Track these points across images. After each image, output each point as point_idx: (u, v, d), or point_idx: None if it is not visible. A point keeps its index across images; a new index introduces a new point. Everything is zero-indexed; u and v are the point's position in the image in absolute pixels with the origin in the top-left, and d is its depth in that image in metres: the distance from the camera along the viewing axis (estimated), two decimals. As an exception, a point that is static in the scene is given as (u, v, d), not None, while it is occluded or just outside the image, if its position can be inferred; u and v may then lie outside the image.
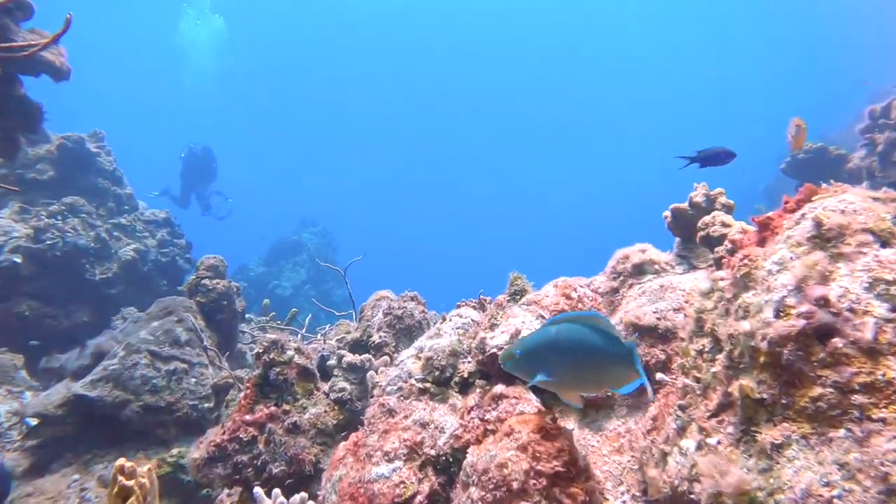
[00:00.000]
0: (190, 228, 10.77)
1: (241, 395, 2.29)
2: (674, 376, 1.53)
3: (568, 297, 1.90)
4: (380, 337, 2.68)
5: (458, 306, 3.82)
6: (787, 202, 1.28)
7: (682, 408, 1.26)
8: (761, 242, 1.28)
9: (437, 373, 1.95)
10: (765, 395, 1.02)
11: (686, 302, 1.67)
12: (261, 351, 2.30)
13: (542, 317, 1.84)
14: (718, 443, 1.10)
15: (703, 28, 31.69)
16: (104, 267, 5.61)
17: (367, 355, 2.47)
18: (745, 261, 1.20)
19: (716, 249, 1.66)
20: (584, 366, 1.30)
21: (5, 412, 3.99)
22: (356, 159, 42.26)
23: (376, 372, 2.44)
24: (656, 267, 1.88)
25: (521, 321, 1.82)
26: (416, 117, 40.29)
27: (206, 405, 3.40)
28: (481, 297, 3.76)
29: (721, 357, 1.19)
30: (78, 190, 5.94)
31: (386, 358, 2.54)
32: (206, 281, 3.83)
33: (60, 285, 5.24)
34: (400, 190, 43.87)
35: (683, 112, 36.03)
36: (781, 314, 1.02)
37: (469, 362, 1.99)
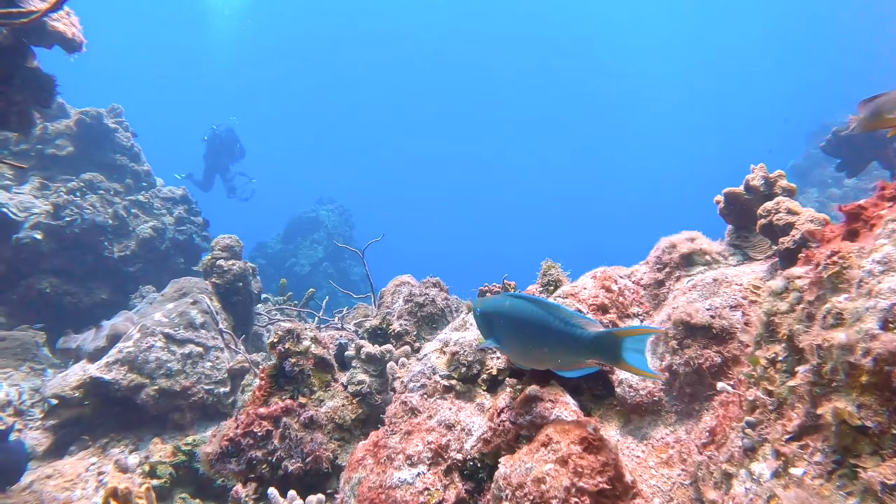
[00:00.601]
0: (207, 205, 10.77)
1: (256, 386, 2.18)
2: (732, 383, 1.36)
3: (608, 289, 1.73)
4: (400, 325, 2.55)
5: (481, 291, 3.67)
6: (883, 188, 1.09)
7: (752, 425, 1.10)
8: (851, 236, 1.09)
9: (463, 369, 1.81)
10: (868, 423, 0.85)
11: (744, 298, 1.49)
12: (275, 340, 2.18)
13: (581, 311, 1.68)
14: (804, 474, 0.93)
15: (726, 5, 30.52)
16: (122, 244, 5.57)
17: (387, 346, 2.33)
18: (835, 258, 1.01)
19: (781, 240, 1.47)
20: (530, 341, 1.34)
21: (28, 389, 3.99)
22: (374, 136, 42.03)
23: (396, 363, 2.32)
24: (707, 258, 1.70)
25: (558, 315, 1.66)
26: (440, 93, 39.70)
27: (222, 390, 3.32)
28: (505, 281, 3.60)
29: (803, 370, 1.01)
30: (96, 166, 5.88)
31: (407, 348, 2.41)
32: (221, 262, 3.73)
33: (79, 262, 5.21)
34: (419, 167, 43.64)
35: (705, 95, 34.94)
36: (891, 325, 0.85)
37: (498, 358, 1.84)
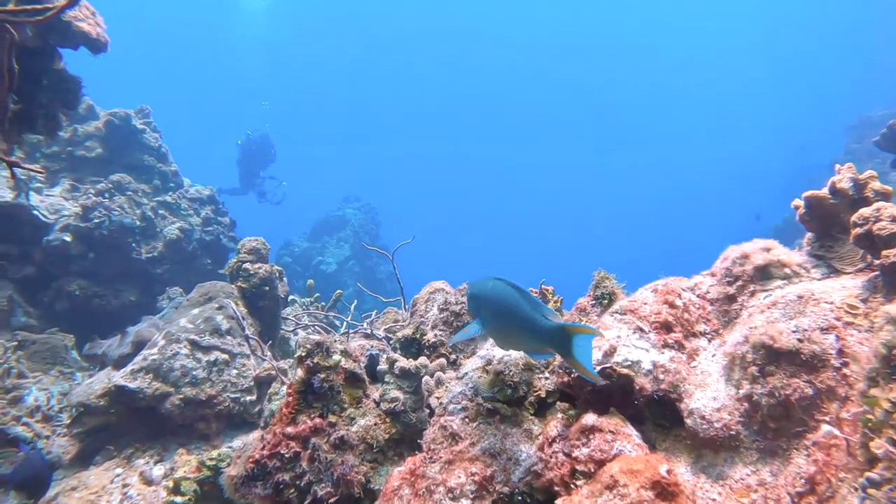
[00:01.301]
0: (234, 204, 10.83)
1: (283, 402, 2.06)
2: (829, 419, 1.17)
3: (671, 304, 1.55)
4: (435, 335, 2.39)
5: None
6: None
7: (875, 484, 0.91)
8: None
9: (508, 391, 1.64)
10: None
11: (837, 319, 1.30)
12: (303, 354, 2.05)
13: (642, 330, 1.50)
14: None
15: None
16: (150, 246, 5.55)
17: (421, 359, 2.18)
18: None
19: (884, 253, 1.27)
20: (505, 324, 1.41)
21: (58, 393, 3.97)
22: (402, 134, 42.04)
23: (431, 377, 2.17)
24: (786, 270, 1.50)
25: (616, 335, 1.49)
26: (470, 92, 39.46)
27: (248, 398, 3.23)
28: (543, 287, 3.42)
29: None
30: (124, 167, 5.89)
31: (442, 360, 2.25)
32: (247, 265, 3.63)
33: (108, 264, 5.20)
34: (449, 166, 43.48)
35: (741, 92, 33.93)
36: None
37: (546, 378, 1.67)
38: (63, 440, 3.43)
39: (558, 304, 3.30)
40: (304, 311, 5.46)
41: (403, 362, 2.11)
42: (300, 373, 2.08)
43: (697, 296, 1.62)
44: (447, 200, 43.55)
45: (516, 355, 1.70)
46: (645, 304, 1.55)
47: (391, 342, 2.59)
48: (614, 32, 34.44)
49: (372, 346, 2.61)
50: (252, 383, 3.29)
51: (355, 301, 4.06)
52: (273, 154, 10.88)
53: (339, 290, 5.37)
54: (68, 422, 3.55)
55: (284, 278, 4.14)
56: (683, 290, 1.63)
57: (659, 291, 1.58)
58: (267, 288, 3.65)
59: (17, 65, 2.49)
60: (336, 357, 2.04)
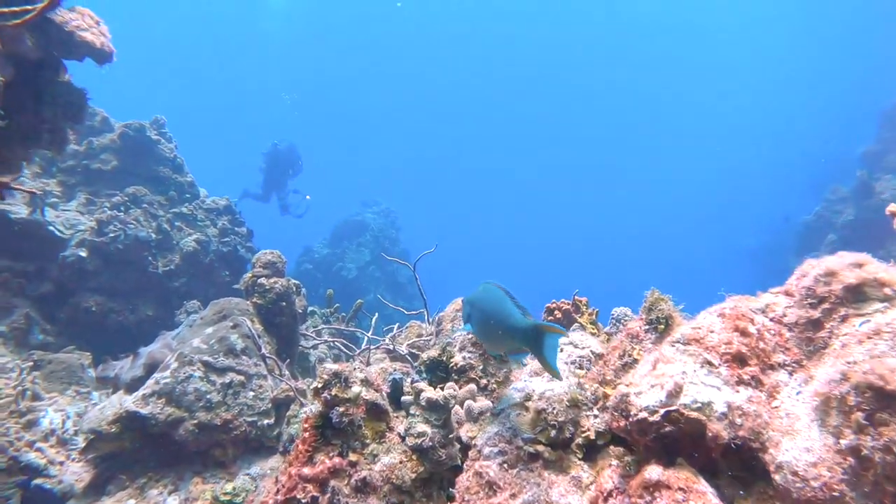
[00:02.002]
0: (251, 212, 10.77)
1: (299, 438, 1.87)
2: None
3: (743, 332, 1.32)
4: (463, 358, 2.19)
5: (548, 309, 3.27)
6: None
7: None
8: None
9: (552, 432, 1.43)
10: None
11: (961, 352, 1.06)
12: (320, 386, 1.86)
13: (711, 364, 1.27)
14: None
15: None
16: (166, 259, 5.45)
17: (449, 387, 1.98)
18: None
19: None
20: (488, 325, 1.49)
21: (74, 414, 3.86)
22: (422, 139, 41.95)
23: (461, 405, 1.96)
24: (886, 291, 1.26)
25: (682, 370, 1.26)
26: (490, 94, 39.18)
27: (266, 421, 3.06)
28: (576, 298, 3.19)
29: None
30: (140, 179, 5.81)
31: (472, 387, 2.05)
32: (262, 280, 3.47)
33: (124, 279, 5.12)
34: (468, 169, 43.22)
35: (768, 86, 32.95)
36: None
37: (595, 416, 1.46)
38: (77, 466, 3.31)
39: (593, 316, 3.06)
40: (324, 322, 5.31)
41: (431, 392, 1.90)
42: (317, 406, 1.90)
43: (771, 320, 1.38)
44: (471, 204, 43.30)
45: (559, 390, 1.49)
46: (711, 331, 1.33)
47: (415, 364, 2.39)
48: (644, 39, 33.94)
49: (395, 370, 2.41)
50: (270, 405, 3.12)
51: (376, 314, 3.87)
52: (300, 166, 10.80)
53: (359, 300, 5.20)
54: (83, 444, 3.44)
55: (303, 291, 3.98)
56: (755, 313, 1.40)
57: (727, 316, 1.35)
58: (284, 303, 3.48)
59: (7, 76, 2.36)
60: (356, 389, 1.85)
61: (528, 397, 1.52)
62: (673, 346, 1.34)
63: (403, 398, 2.00)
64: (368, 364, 3.52)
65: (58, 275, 4.84)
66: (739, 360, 1.28)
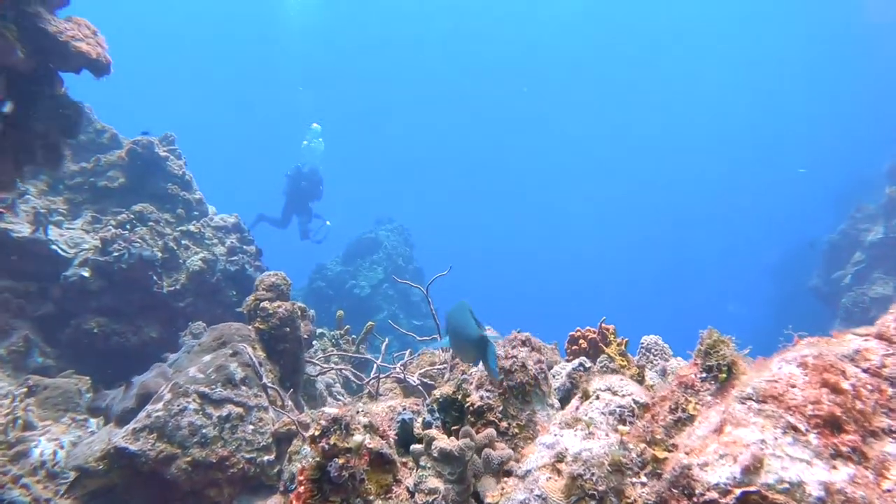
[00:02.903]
0: (262, 228, 10.63)
1: (293, 493, 1.64)
2: None
3: (835, 388, 1.05)
4: (481, 398, 1.94)
5: (572, 338, 3.00)
6: None
7: None
8: None
9: (592, 503, 1.18)
10: None
11: None
12: (317, 434, 1.62)
13: (796, 430, 1.01)
14: None
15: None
16: (172, 278, 5.29)
17: (465, 434, 1.73)
18: None
19: None
20: (455, 338, 1.75)
21: (69, 443, 3.66)
22: (437, 154, 41.96)
23: (479, 453, 1.71)
24: None
25: (759, 437, 1.00)
26: (507, 107, 39.08)
27: (266, 458, 2.82)
28: (602, 325, 2.93)
29: None
30: (147, 196, 5.68)
31: (491, 432, 1.79)
32: (265, 304, 3.26)
33: (128, 300, 4.95)
34: (483, 188, 43.05)
35: (788, 95, 32.45)
36: None
37: (642, 485, 1.20)
38: (65, 502, 3.10)
39: (622, 346, 2.79)
40: (333, 345, 5.09)
41: (444, 442, 1.65)
42: (314, 456, 1.66)
43: (866, 371, 1.12)
44: (487, 222, 43.04)
45: (598, 451, 1.23)
46: (793, 386, 1.07)
47: (428, 402, 2.15)
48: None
49: (404, 409, 2.17)
50: (270, 440, 2.88)
51: (386, 340, 3.64)
52: (320, 191, 10.75)
53: (370, 322, 4.98)
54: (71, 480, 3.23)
55: (311, 314, 3.77)
56: (843, 355, 1.13)
57: (811, 367, 1.09)
58: (287, 329, 3.26)
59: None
60: (357, 437, 1.61)
61: (560, 457, 1.27)
62: (744, 403, 1.08)
63: (413, 447, 1.75)
64: (377, 395, 3.28)
65: (60, 295, 4.69)
66: (833, 425, 1.01)
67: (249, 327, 3.27)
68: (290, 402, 3.14)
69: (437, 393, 2.13)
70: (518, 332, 2.09)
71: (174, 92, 36.27)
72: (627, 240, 39.67)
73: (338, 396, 4.25)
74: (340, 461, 1.59)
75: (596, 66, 35.33)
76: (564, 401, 2.14)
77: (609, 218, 40.92)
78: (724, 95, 34.58)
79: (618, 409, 1.35)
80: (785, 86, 32.06)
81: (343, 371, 3.75)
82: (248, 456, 2.77)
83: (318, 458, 1.64)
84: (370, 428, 1.70)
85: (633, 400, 1.37)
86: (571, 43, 34.44)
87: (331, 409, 1.67)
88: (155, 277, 5.07)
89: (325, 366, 3.76)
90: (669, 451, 1.18)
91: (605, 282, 37.54)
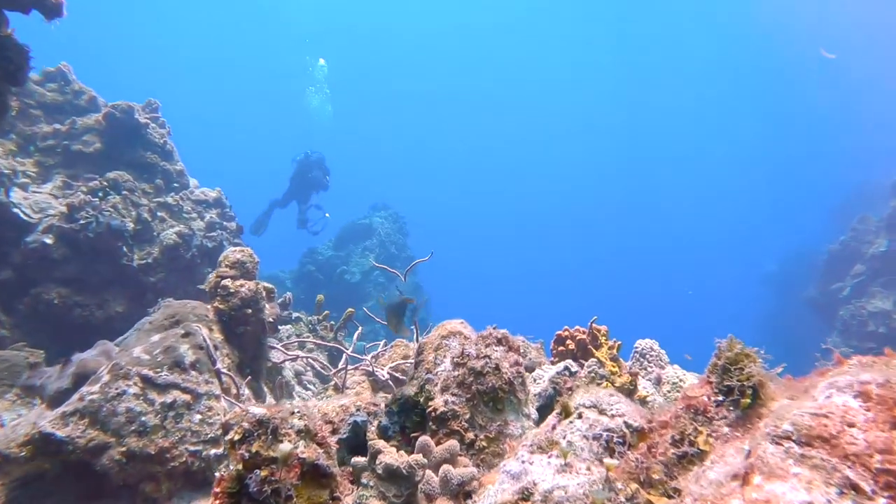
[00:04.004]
0: (256, 206, 10.32)
1: (204, 509, 1.35)
2: None
3: (903, 427, 0.76)
4: (445, 403, 1.65)
5: (559, 337, 2.71)
6: None
7: None
8: None
9: (562, 560, 0.89)
10: None
11: None
12: (237, 438, 1.34)
13: (855, 488, 0.72)
14: None
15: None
16: (144, 251, 4.98)
17: (421, 447, 1.44)
18: None
19: None
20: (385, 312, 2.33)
21: (10, 422, 3.38)
22: (435, 140, 41.54)
23: (436, 470, 1.42)
24: None
25: (806, 501, 0.71)
26: (509, 102, 38.67)
27: (213, 451, 2.53)
28: (593, 326, 2.63)
29: None
30: (124, 164, 5.36)
31: (453, 444, 1.50)
32: (227, 282, 2.97)
33: (94, 270, 4.65)
34: (484, 178, 42.66)
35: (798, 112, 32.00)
36: None
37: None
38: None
39: (614, 350, 2.50)
40: (310, 331, 4.80)
41: (391, 457, 1.36)
42: (234, 465, 1.37)
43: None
44: (486, 214, 42.65)
45: (575, 490, 0.94)
46: (850, 425, 0.77)
47: (386, 404, 1.85)
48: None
49: (359, 410, 1.88)
50: (220, 432, 2.59)
51: (360, 328, 3.34)
52: (326, 182, 10.50)
53: (350, 309, 4.69)
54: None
55: (276, 296, 3.47)
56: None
57: (876, 398, 0.79)
58: (249, 310, 2.97)
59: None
60: (285, 446, 1.32)
61: (525, 494, 0.98)
62: (779, 444, 0.78)
63: (354, 460, 1.46)
64: (344, 388, 2.99)
65: (20, 261, 4.39)
66: (906, 480, 0.72)
67: (208, 306, 2.98)
68: (246, 391, 2.85)
69: (397, 393, 1.84)
70: (494, 328, 1.78)
71: (175, 65, 35.83)
72: (627, 242, 39.36)
73: (308, 386, 3.96)
74: (263, 473, 1.31)
75: (604, 69, 34.99)
76: (545, 410, 1.85)
77: (609, 218, 40.59)
78: (729, 103, 34.22)
79: (605, 434, 1.05)
80: (785, 95, 31.75)
81: (310, 360, 3.45)
82: (192, 448, 2.49)
83: (238, 469, 1.34)
84: (306, 433, 1.41)
85: (625, 423, 1.08)
86: (572, 43, 34.11)
87: (257, 409, 1.38)
88: (125, 249, 4.77)
89: (291, 353, 3.46)
90: (670, 496, 0.89)
91: (598, 283, 37.28)
